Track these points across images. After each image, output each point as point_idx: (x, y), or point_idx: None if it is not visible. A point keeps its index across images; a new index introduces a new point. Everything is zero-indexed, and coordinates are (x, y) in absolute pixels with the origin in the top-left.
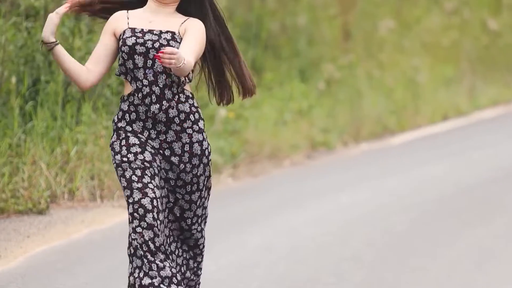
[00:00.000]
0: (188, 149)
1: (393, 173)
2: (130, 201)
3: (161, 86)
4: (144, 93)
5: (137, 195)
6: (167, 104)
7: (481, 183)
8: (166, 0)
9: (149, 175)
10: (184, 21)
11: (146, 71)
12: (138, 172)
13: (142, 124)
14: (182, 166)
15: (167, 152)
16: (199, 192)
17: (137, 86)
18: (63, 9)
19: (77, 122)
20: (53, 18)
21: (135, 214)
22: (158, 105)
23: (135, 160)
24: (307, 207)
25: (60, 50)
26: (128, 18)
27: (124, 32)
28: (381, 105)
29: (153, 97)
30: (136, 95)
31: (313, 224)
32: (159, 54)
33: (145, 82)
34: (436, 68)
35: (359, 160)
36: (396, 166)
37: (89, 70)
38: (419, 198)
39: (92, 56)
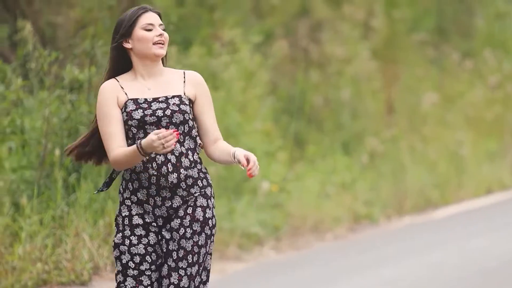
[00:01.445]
0: (190, 211)
1: (436, 246)
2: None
3: (177, 154)
4: (159, 162)
5: (130, 283)
6: (185, 172)
7: None
8: (161, 54)
9: (149, 261)
10: (184, 79)
11: None
12: (137, 259)
13: (146, 192)
14: (182, 230)
15: (173, 220)
16: (198, 268)
17: (149, 155)
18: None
19: None
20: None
21: None
22: (176, 174)
23: (138, 243)
24: (349, 281)
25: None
26: (123, 88)
27: (126, 104)
28: (424, 179)
29: (169, 166)
30: (146, 165)
31: None
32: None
33: None
34: (479, 142)
35: (402, 233)
36: (439, 239)
37: None
38: (463, 272)
39: (118, 136)
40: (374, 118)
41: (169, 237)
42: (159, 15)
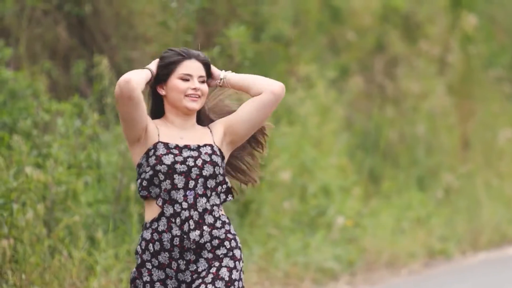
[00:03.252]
0: (213, 271)
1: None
2: None
3: (200, 210)
4: (183, 217)
5: None
6: (208, 230)
7: None
8: (193, 108)
9: None
10: (211, 130)
11: (187, 193)
12: None
13: (168, 255)
14: (202, 287)
15: (194, 282)
16: None
17: (174, 210)
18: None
19: None
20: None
21: None
22: (199, 231)
23: None
24: None
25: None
26: (157, 129)
27: (156, 147)
28: (500, 214)
29: (191, 222)
30: (170, 220)
31: None
32: None
33: (185, 205)
34: None
35: (477, 269)
36: None
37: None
38: None
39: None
40: (449, 154)
41: None
42: (206, 64)
